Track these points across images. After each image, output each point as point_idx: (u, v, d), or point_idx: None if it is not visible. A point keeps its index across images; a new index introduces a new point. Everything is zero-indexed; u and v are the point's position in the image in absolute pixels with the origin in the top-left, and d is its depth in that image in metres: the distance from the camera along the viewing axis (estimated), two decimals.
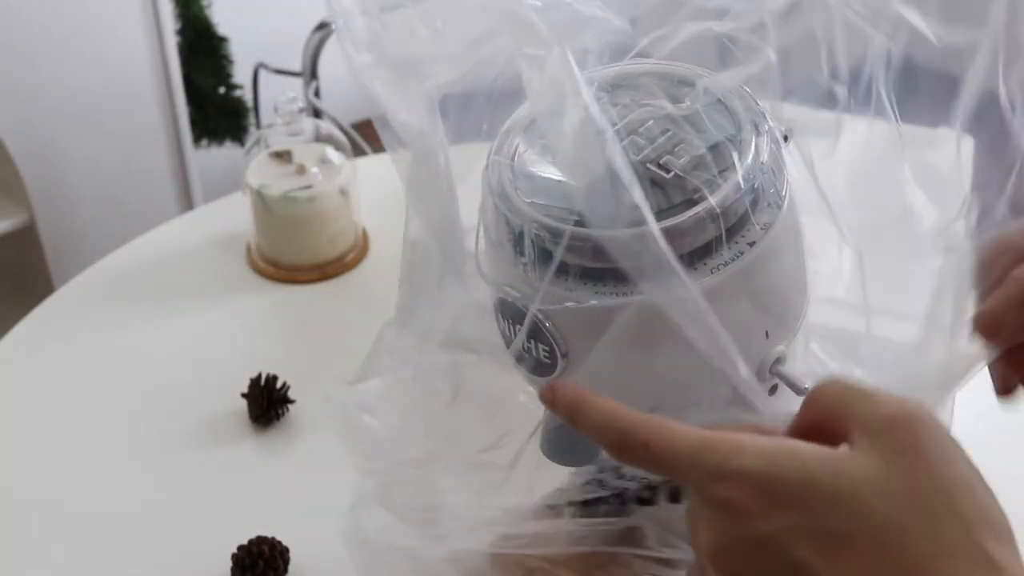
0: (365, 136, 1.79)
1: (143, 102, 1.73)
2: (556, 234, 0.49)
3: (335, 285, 1.12)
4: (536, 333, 0.51)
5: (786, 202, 0.50)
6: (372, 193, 1.17)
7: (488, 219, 0.53)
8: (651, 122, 0.51)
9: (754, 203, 0.49)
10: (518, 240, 0.51)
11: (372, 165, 1.26)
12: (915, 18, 0.49)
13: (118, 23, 1.65)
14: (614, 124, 0.51)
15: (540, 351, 0.52)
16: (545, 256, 0.50)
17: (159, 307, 1.10)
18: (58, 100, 1.65)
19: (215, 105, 1.97)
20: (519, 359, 0.54)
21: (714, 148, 0.50)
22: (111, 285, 1.13)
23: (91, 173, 1.74)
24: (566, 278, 0.49)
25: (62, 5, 1.58)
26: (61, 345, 1.06)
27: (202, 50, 1.94)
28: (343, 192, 1.12)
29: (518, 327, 0.52)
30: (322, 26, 1.79)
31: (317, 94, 1.85)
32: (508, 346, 0.54)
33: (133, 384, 1.02)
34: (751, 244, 0.49)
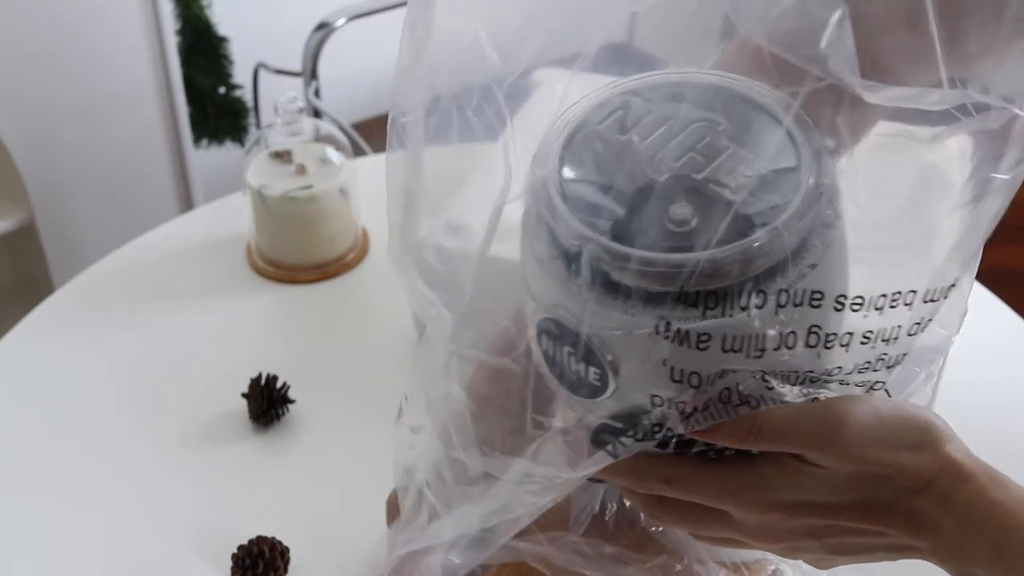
0: (365, 136, 1.79)
1: (143, 102, 1.73)
2: (620, 258, 0.47)
3: (335, 285, 1.12)
4: (588, 356, 0.50)
5: (841, 221, 0.49)
6: (372, 193, 1.17)
7: (533, 233, 0.51)
8: (708, 138, 0.49)
9: (814, 223, 0.48)
10: (572, 259, 0.48)
11: (372, 165, 1.26)
12: None
13: (118, 23, 1.65)
14: (672, 138, 0.49)
15: (591, 373, 0.50)
16: (603, 277, 0.48)
17: (159, 307, 1.10)
18: (58, 100, 1.65)
19: (215, 105, 1.97)
20: (563, 381, 0.52)
21: (776, 169, 0.49)
22: (111, 285, 1.13)
23: (91, 173, 1.74)
24: (627, 300, 0.47)
25: (62, 5, 1.58)
26: (61, 345, 1.06)
27: (202, 50, 1.94)
28: (343, 192, 1.12)
29: (567, 349, 0.50)
30: (322, 26, 1.79)
31: (317, 94, 1.85)
32: (550, 367, 0.52)
33: (133, 384, 1.02)
34: (812, 266, 0.48)
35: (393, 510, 0.67)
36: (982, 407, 0.92)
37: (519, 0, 0.53)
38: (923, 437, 0.50)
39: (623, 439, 0.51)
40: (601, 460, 0.51)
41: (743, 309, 0.47)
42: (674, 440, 0.51)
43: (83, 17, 1.62)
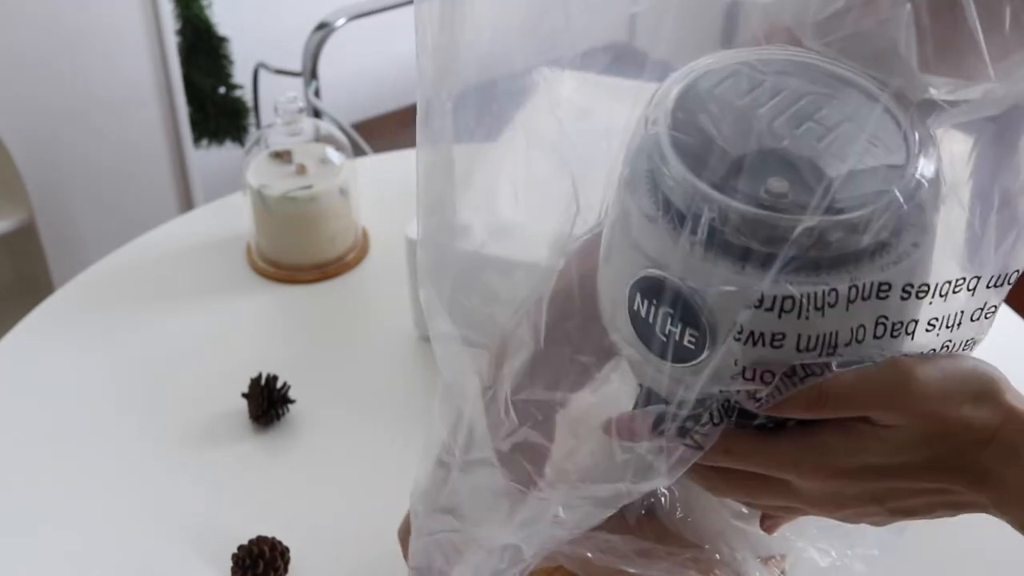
0: (365, 136, 1.79)
1: (143, 102, 1.73)
2: (749, 221, 0.47)
3: (335, 285, 1.12)
4: (687, 317, 0.49)
5: (940, 202, 0.49)
6: (372, 193, 1.17)
7: (642, 190, 0.50)
8: (825, 110, 0.49)
9: (922, 203, 0.48)
10: (688, 218, 0.47)
11: (372, 165, 1.26)
12: None
13: (118, 23, 1.65)
14: (790, 106, 0.49)
15: (687, 336, 0.49)
16: (717, 235, 0.47)
17: (159, 307, 1.10)
18: (58, 100, 1.65)
19: (215, 105, 1.97)
20: (650, 342, 0.51)
21: (889, 144, 0.49)
22: (111, 285, 1.13)
23: (91, 173, 1.74)
24: (744, 265, 0.47)
25: (62, 5, 1.58)
26: (61, 345, 1.06)
27: (202, 50, 1.94)
28: (343, 192, 1.12)
29: (665, 309, 0.49)
30: (322, 26, 1.79)
31: (317, 94, 1.85)
32: (637, 328, 0.51)
33: (133, 384, 1.02)
34: (915, 244, 0.48)
35: (406, 539, 0.66)
36: None
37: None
38: (986, 388, 0.50)
39: (699, 429, 0.50)
40: (685, 457, 0.51)
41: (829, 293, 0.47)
42: (735, 412, 0.51)
43: (83, 17, 1.62)
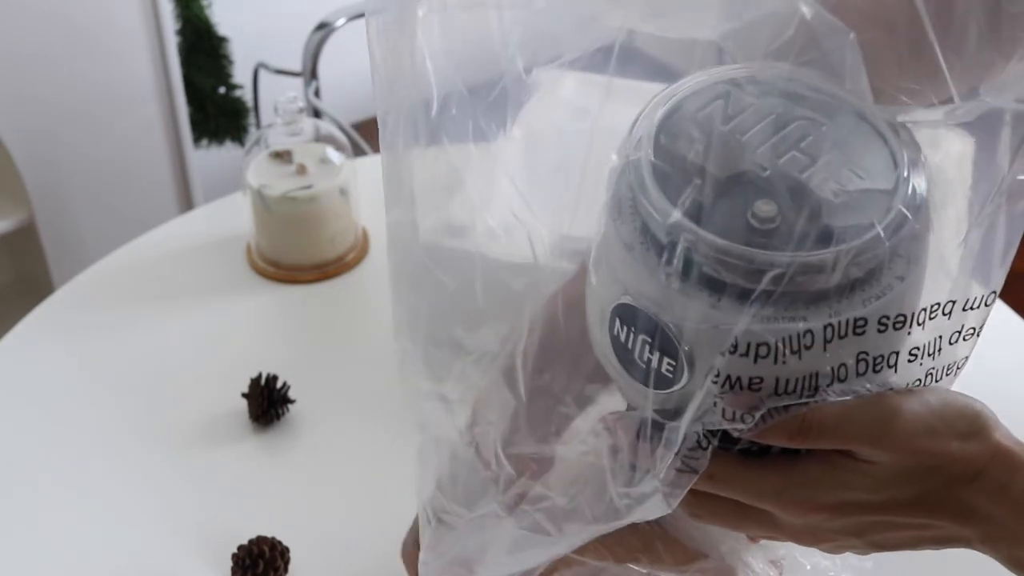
0: (365, 136, 1.79)
1: (143, 102, 1.73)
2: (717, 250, 0.46)
3: (335, 285, 1.12)
4: (664, 346, 0.48)
5: (924, 257, 0.48)
6: (372, 193, 1.17)
7: (623, 218, 0.49)
8: (811, 138, 0.48)
9: (910, 233, 0.47)
10: (664, 247, 0.47)
11: (372, 165, 1.26)
12: None
13: (118, 23, 1.65)
14: (775, 133, 0.48)
15: (664, 364, 0.49)
16: (695, 269, 0.46)
17: (159, 307, 1.10)
18: (58, 100, 1.65)
19: (215, 105, 1.97)
20: (630, 368, 0.50)
21: (872, 189, 0.47)
22: (111, 285, 1.13)
23: (91, 173, 1.74)
24: (719, 298, 0.46)
25: (62, 5, 1.58)
26: (61, 345, 1.06)
27: (202, 50, 1.94)
28: (343, 192, 1.12)
29: (643, 337, 0.49)
30: (322, 26, 1.79)
31: (317, 94, 1.85)
32: (617, 352, 0.51)
33: (133, 384, 1.02)
34: (900, 278, 0.47)
35: (412, 562, 0.66)
36: None
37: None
38: (973, 425, 0.49)
39: (688, 453, 0.49)
40: (681, 481, 0.50)
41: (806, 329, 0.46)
42: (719, 436, 0.50)
43: (83, 17, 1.62)
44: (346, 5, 1.80)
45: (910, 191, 0.47)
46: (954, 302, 0.49)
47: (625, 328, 0.49)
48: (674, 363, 0.48)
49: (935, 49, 0.46)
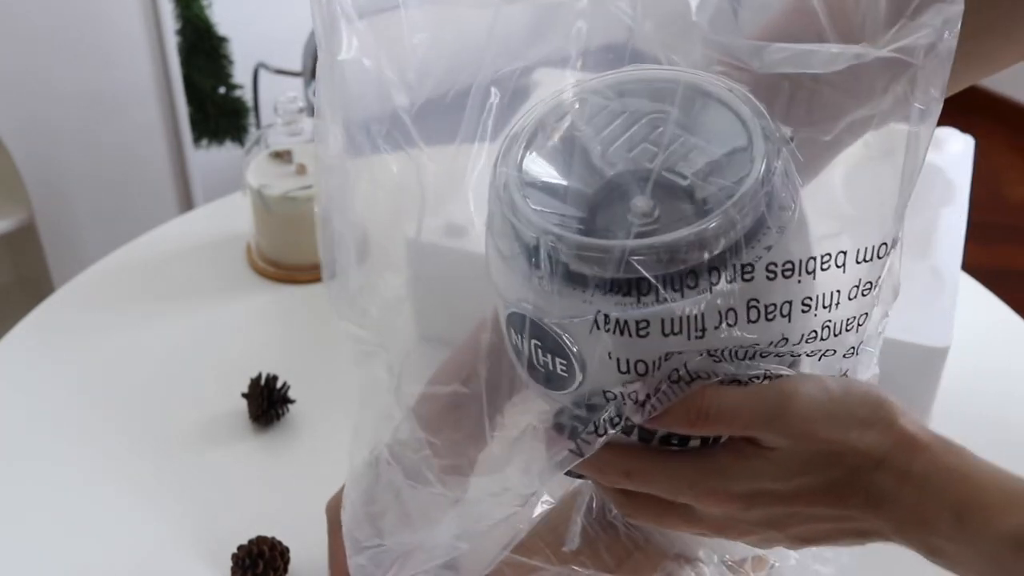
0: None
1: (143, 102, 1.73)
2: (576, 247, 0.48)
3: None
4: (554, 347, 0.50)
5: (797, 205, 0.50)
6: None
7: (497, 231, 0.52)
8: (661, 129, 0.50)
9: (769, 207, 0.48)
10: (532, 252, 0.49)
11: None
12: None
13: (118, 23, 1.65)
14: (626, 131, 0.50)
15: (557, 365, 0.51)
16: (562, 268, 0.49)
17: (159, 307, 1.10)
18: (58, 100, 1.65)
19: (215, 105, 1.97)
20: (532, 373, 0.53)
21: (728, 154, 0.49)
22: (111, 285, 1.13)
23: (91, 173, 1.74)
24: (584, 290, 0.48)
25: (62, 5, 1.58)
26: (61, 345, 1.06)
27: (202, 50, 1.94)
28: None
29: (534, 342, 0.51)
30: None
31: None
32: (520, 360, 0.53)
33: (133, 384, 1.02)
34: (768, 248, 0.48)
35: (335, 523, 0.67)
36: (982, 407, 0.92)
37: (420, 35, 0.54)
38: (875, 413, 0.50)
39: (584, 436, 0.51)
40: (566, 461, 0.52)
41: (689, 288, 0.47)
42: (635, 430, 0.51)
43: (83, 17, 1.62)
44: None
45: (764, 139, 0.49)
46: (845, 252, 0.50)
47: (518, 336, 0.52)
48: (566, 361, 0.50)
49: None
